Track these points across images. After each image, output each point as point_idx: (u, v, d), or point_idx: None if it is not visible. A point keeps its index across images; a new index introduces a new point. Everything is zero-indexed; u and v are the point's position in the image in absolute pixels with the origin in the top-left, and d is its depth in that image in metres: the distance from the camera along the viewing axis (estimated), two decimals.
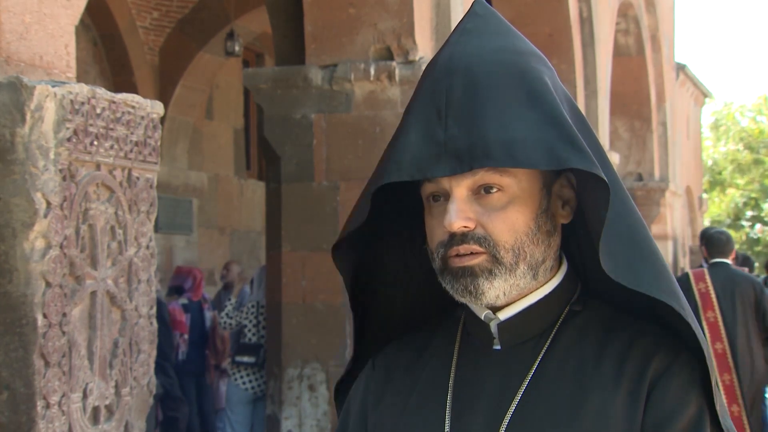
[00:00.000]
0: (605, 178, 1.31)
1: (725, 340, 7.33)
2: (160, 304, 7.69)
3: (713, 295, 7.29)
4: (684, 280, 7.40)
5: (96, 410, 2.83)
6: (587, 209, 1.45)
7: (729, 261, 7.44)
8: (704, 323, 7.39)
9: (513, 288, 1.40)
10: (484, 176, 1.35)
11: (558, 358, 1.42)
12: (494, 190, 1.36)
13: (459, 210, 1.35)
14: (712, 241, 7.54)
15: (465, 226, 1.36)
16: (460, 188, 1.36)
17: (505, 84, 1.35)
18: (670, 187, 14.87)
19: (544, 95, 1.35)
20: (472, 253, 1.37)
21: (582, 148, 1.31)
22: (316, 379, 5.95)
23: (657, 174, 14.48)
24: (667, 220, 15.22)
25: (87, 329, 2.80)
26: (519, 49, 1.41)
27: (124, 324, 2.94)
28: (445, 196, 1.38)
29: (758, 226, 32.58)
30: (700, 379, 1.37)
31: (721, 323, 7.31)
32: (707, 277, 7.33)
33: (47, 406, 2.61)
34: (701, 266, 8.17)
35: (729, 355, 7.22)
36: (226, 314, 7.05)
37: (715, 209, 33.18)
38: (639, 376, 1.37)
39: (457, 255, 1.38)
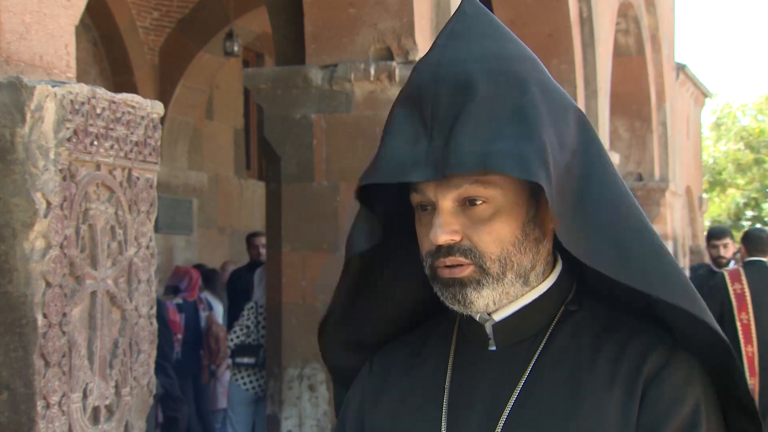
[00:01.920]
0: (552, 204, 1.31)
1: (755, 343, 7.28)
2: (159, 304, 7.70)
3: (748, 297, 7.23)
4: (720, 282, 7.38)
5: (96, 410, 2.83)
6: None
7: (765, 259, 7.40)
8: (738, 325, 7.35)
9: (502, 296, 1.41)
10: (469, 189, 1.36)
11: (553, 358, 1.42)
12: (479, 202, 1.36)
13: (444, 223, 1.36)
14: (751, 239, 7.56)
15: (451, 240, 1.36)
16: (446, 200, 1.36)
17: (490, 95, 1.34)
18: (670, 187, 14.86)
19: (527, 109, 1.34)
20: (460, 265, 1.37)
21: (547, 167, 1.31)
22: (316, 379, 5.95)
23: (657, 174, 14.47)
24: (667, 220, 15.21)
25: (87, 329, 2.80)
26: (507, 53, 1.39)
27: (124, 324, 2.94)
28: (433, 207, 1.39)
29: (758, 226, 32.53)
30: (699, 376, 1.37)
31: (753, 325, 7.27)
32: (743, 277, 7.29)
33: (47, 406, 2.61)
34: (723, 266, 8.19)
35: (756, 359, 7.18)
36: (232, 331, 6.99)
37: (715, 209, 33.17)
38: (634, 375, 1.37)
39: (445, 266, 1.38)
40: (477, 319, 1.46)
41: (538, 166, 1.30)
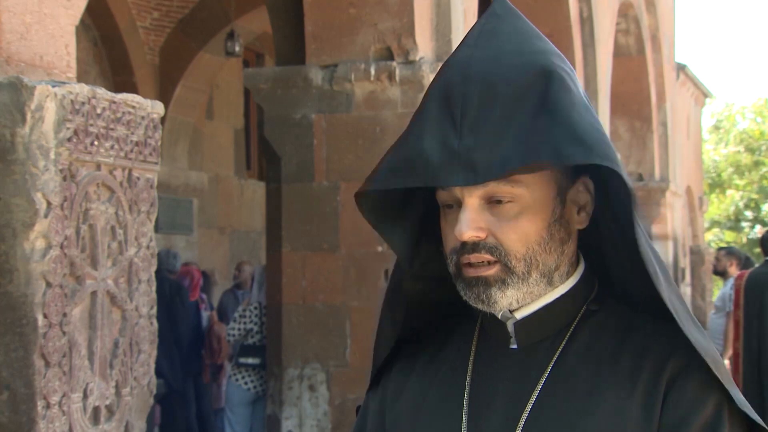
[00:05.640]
0: (617, 170, 1.31)
1: (741, 340, 7.34)
2: (180, 288, 7.73)
3: (742, 294, 7.32)
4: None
5: (96, 410, 2.83)
6: (604, 212, 1.46)
7: None
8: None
9: (526, 296, 1.41)
10: (496, 188, 1.35)
11: (574, 357, 1.42)
12: (506, 200, 1.36)
13: (470, 220, 1.35)
14: (761, 241, 7.70)
15: (476, 236, 1.36)
16: (472, 198, 1.36)
17: (521, 91, 1.33)
18: (670, 187, 14.86)
19: (559, 103, 1.33)
20: (486, 264, 1.37)
21: (590, 144, 1.30)
22: (316, 379, 5.95)
23: (657, 174, 14.48)
24: (668, 220, 15.22)
25: (87, 329, 2.80)
26: (537, 49, 1.39)
27: (124, 324, 2.94)
28: (459, 204, 1.38)
29: (758, 227, 32.50)
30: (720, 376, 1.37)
31: (741, 322, 7.33)
32: (746, 275, 7.41)
33: (47, 406, 2.61)
34: None
35: (741, 356, 7.23)
36: (231, 327, 6.99)
37: (715, 210, 33.16)
38: (655, 376, 1.37)
39: (470, 264, 1.38)
40: (499, 317, 1.46)
41: (574, 147, 1.30)
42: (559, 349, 1.43)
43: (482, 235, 1.36)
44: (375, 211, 1.48)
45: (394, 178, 1.38)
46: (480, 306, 1.40)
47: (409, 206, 1.51)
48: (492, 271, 1.37)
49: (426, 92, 1.42)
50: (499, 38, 1.39)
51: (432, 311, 1.59)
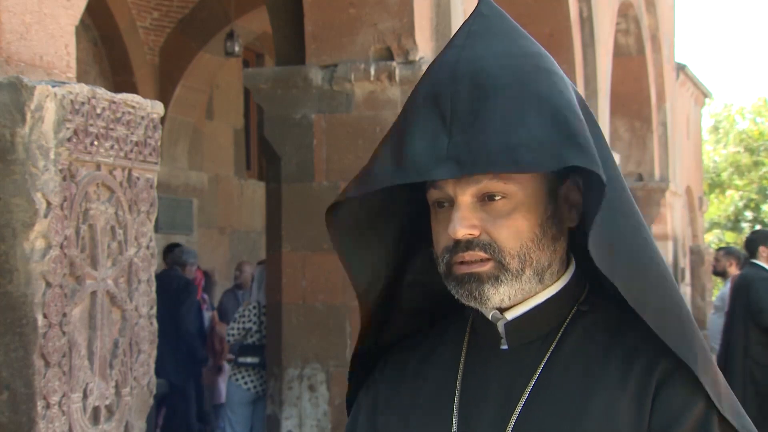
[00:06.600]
0: (602, 175, 1.30)
1: (722, 343, 7.36)
2: (188, 283, 7.76)
3: (728, 297, 7.39)
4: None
5: (96, 410, 2.83)
6: (592, 211, 1.45)
7: (759, 262, 7.43)
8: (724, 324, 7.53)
9: (518, 293, 1.41)
10: (488, 184, 1.35)
11: (565, 358, 1.42)
12: (498, 197, 1.36)
13: (463, 218, 1.36)
14: (745, 244, 7.75)
15: (470, 234, 1.36)
16: (465, 195, 1.36)
17: (511, 90, 1.33)
18: (670, 187, 14.86)
19: (550, 98, 1.34)
20: (479, 261, 1.37)
21: (585, 146, 1.30)
22: (316, 379, 5.95)
23: (657, 174, 14.47)
24: (668, 220, 15.22)
25: (87, 329, 2.79)
26: (525, 51, 1.40)
27: (124, 324, 2.94)
28: (450, 203, 1.38)
29: (758, 227, 32.49)
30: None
31: (724, 326, 7.37)
32: (735, 277, 7.51)
33: (47, 406, 2.61)
34: None
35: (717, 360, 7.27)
36: (230, 328, 7.01)
37: (715, 210, 33.17)
38: (645, 377, 1.37)
39: (462, 262, 1.38)
40: (489, 318, 1.46)
41: (569, 148, 1.29)
42: (550, 350, 1.43)
43: (476, 232, 1.36)
44: (347, 231, 1.51)
45: (384, 178, 1.38)
46: (472, 303, 1.40)
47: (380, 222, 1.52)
48: (485, 268, 1.37)
49: (413, 93, 1.42)
50: (487, 38, 1.40)
51: (423, 317, 1.60)
